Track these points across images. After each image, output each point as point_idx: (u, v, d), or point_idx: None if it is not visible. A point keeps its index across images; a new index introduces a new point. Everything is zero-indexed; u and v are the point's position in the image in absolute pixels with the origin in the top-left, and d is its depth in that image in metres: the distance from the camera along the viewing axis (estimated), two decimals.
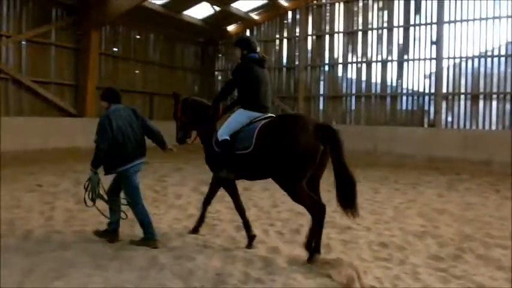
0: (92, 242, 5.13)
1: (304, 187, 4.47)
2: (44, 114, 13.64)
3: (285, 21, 18.30)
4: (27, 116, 13.22)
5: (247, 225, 5.22)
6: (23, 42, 13.38)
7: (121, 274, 4.18)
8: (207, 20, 18.06)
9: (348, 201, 4.43)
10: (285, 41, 18.36)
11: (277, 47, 18.54)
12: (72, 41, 14.62)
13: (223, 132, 4.96)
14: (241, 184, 5.72)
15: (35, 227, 5.80)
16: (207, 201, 5.59)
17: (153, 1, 15.55)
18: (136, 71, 17.09)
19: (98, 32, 14.71)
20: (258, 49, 5.35)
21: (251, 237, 5.16)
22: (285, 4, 17.88)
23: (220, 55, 20.05)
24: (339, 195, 4.45)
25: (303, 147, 4.39)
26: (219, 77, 20.19)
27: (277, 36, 18.45)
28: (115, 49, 16.18)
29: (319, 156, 4.45)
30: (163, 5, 16.13)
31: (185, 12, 17.14)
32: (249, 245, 5.10)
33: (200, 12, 17.58)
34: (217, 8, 17.04)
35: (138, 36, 17.08)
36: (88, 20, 14.31)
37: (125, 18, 15.04)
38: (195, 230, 5.61)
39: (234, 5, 17.29)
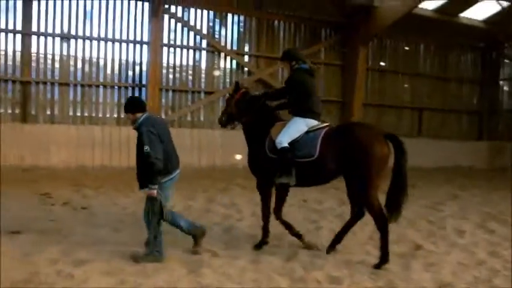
0: (359, 275, 4.43)
1: (377, 195, 4.78)
2: None
3: None
4: None
5: (295, 233, 5.42)
6: None
7: None
8: (490, 20, 15.31)
9: (395, 206, 4.75)
10: None
11: None
12: (339, 58, 14.64)
13: (283, 139, 4.96)
14: None
15: (300, 247, 5.42)
16: (266, 211, 5.39)
17: (424, 7, 14.09)
18: (405, 85, 15.86)
19: (364, 47, 14.28)
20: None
21: (299, 236, 5.40)
22: None
23: (507, 60, 16.75)
24: (389, 199, 4.77)
25: (379, 156, 4.66)
26: (505, 87, 16.86)
27: None
28: (382, 63, 15.44)
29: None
30: (436, 10, 14.46)
31: (462, 15, 14.96)
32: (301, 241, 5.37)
33: (481, 11, 15.02)
34: (505, 3, 14.17)
35: (406, 48, 15.86)
36: (355, 36, 14.05)
37: (392, 30, 14.11)
38: (259, 246, 5.31)
39: None
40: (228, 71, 13.36)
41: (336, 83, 14.66)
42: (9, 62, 11.15)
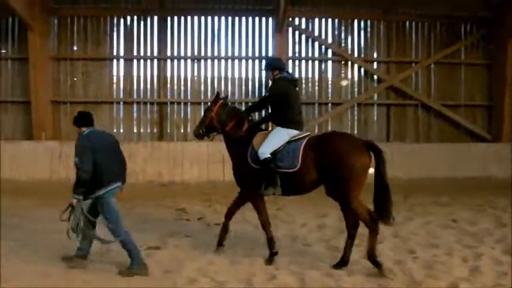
0: None
1: (360, 201, 4.85)
2: (454, 140, 12.52)
3: None
4: (436, 143, 12.51)
5: (270, 242, 5.21)
6: (431, 66, 12.84)
7: None
8: None
9: (384, 211, 4.82)
10: None
11: None
12: (483, 56, 12.95)
13: (266, 150, 5.00)
14: None
15: (458, 279, 4.57)
16: (230, 213, 5.49)
17: None
18: None
19: None
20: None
21: (273, 254, 5.18)
22: None
23: None
24: (377, 206, 4.85)
25: (360, 165, 4.76)
26: None
27: None
28: None
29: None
30: None
31: None
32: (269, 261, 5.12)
33: None
34: None
35: None
36: (502, 30, 12.30)
37: None
38: (219, 244, 5.46)
39: None
40: (356, 79, 12.69)
41: (480, 85, 12.96)
42: (148, 86, 12.10)
